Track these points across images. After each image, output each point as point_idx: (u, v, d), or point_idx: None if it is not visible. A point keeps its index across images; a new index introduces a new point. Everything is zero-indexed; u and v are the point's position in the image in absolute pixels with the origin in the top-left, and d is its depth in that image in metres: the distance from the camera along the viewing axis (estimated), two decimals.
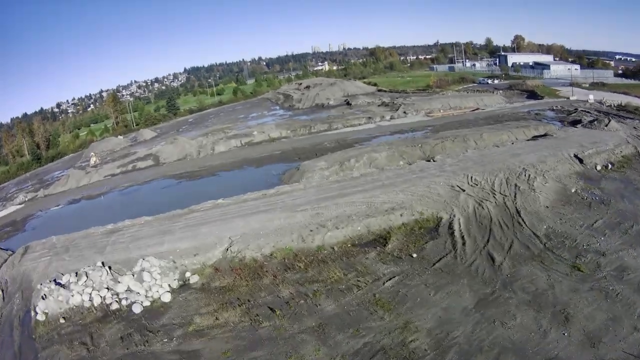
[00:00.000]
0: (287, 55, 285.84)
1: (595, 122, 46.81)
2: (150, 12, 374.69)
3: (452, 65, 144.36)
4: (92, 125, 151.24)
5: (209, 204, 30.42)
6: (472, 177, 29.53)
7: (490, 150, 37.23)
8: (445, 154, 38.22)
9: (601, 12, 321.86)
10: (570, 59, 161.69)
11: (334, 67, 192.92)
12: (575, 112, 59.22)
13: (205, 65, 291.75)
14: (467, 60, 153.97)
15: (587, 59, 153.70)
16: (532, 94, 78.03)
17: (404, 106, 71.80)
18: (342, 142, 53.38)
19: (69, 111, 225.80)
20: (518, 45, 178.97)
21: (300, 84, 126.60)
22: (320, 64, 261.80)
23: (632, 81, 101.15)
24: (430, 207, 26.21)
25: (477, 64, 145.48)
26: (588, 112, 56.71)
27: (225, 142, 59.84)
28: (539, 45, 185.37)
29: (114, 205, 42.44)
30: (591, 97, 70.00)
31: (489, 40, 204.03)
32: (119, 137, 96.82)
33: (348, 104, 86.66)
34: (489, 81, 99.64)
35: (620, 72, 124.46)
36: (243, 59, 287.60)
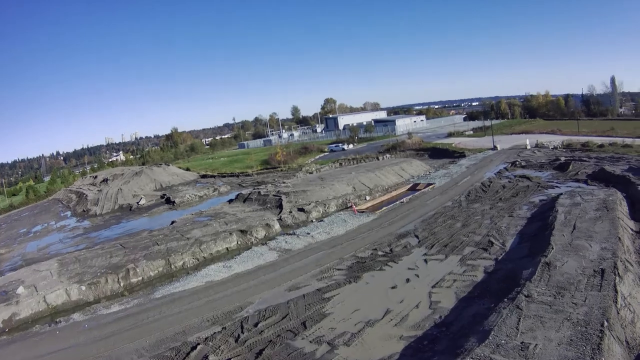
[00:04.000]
0: (82, 149, 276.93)
1: None
2: None
3: (268, 138, 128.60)
4: None
5: None
6: None
7: None
8: None
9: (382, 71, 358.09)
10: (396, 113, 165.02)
11: (130, 156, 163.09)
12: (570, 167, 43.56)
13: (9, 162, 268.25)
14: (282, 131, 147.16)
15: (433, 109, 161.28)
16: (441, 153, 65.63)
17: (286, 198, 38.95)
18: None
19: None
20: (330, 109, 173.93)
21: (96, 177, 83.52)
22: (115, 154, 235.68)
23: (509, 120, 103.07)
24: None
25: (295, 133, 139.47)
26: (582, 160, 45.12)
27: None
28: (351, 107, 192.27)
29: None
30: (528, 142, 60.34)
31: (295, 109, 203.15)
32: None
33: (168, 201, 55.92)
34: (344, 147, 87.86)
35: (464, 116, 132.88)
36: (42, 154, 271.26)
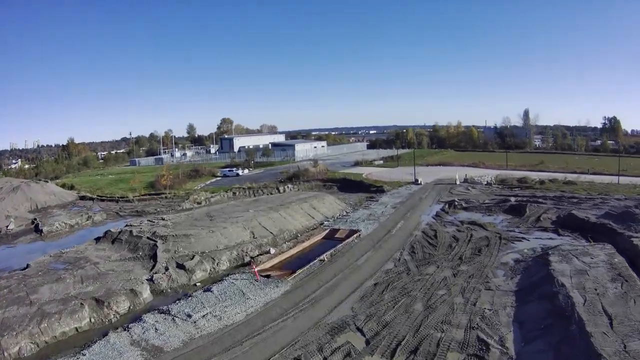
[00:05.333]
0: None
1: None
2: None
3: (159, 157, 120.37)
4: None
5: None
6: None
7: None
8: None
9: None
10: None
11: (26, 166, 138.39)
12: (527, 210, 36.39)
13: None
14: (176, 150, 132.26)
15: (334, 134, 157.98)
16: (354, 186, 55.06)
17: (163, 245, 26.44)
18: None
19: None
20: (227, 129, 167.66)
21: None
22: (14, 162, 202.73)
23: (417, 150, 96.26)
24: None
25: (188, 153, 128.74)
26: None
27: None
28: (247, 129, 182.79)
29: None
30: (457, 177, 53.42)
31: (191, 127, 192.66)
32: None
33: (37, 228, 43.18)
34: (239, 171, 75.40)
35: (367, 143, 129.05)
36: None
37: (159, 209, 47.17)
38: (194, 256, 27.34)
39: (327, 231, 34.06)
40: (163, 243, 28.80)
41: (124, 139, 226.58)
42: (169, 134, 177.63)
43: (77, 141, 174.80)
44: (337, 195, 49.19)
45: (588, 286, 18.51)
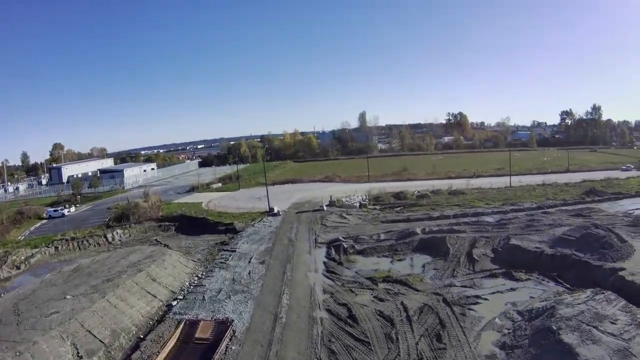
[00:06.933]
0: None
1: None
2: None
3: None
4: None
5: None
6: None
7: None
8: None
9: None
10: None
11: None
12: (449, 247, 27.89)
13: None
14: (8, 184, 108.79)
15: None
16: (196, 226, 41.75)
17: None
18: None
19: None
20: (58, 156, 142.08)
21: None
22: None
23: (253, 165, 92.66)
24: None
25: (21, 187, 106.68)
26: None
27: None
28: (79, 153, 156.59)
29: None
30: (324, 202, 44.73)
31: (24, 156, 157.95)
32: None
33: None
34: (65, 210, 59.42)
35: (199, 160, 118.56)
36: None
37: None
38: None
39: (179, 329, 20.00)
40: None
41: None
42: (5, 164, 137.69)
43: None
44: (178, 242, 36.04)
45: None
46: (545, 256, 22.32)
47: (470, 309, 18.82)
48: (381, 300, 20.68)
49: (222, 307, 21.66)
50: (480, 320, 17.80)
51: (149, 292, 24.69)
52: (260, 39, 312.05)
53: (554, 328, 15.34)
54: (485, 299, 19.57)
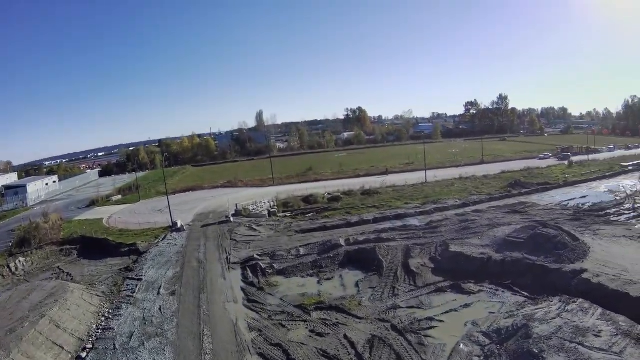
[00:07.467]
0: None
1: None
2: None
3: None
4: None
5: None
6: None
7: None
8: None
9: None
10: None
11: None
12: (382, 259, 24.86)
13: None
14: None
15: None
16: (98, 249, 35.34)
17: None
18: None
19: None
20: None
21: None
22: None
23: (152, 172, 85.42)
24: None
25: None
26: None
27: None
28: None
29: None
30: (229, 211, 40.17)
31: None
32: None
33: None
34: None
35: (99, 169, 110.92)
36: None
37: None
38: None
39: None
40: None
41: None
42: None
43: None
44: (81, 269, 30.56)
45: None
46: (493, 262, 20.25)
47: (427, 336, 15.82)
48: (320, 335, 16.92)
49: (137, 358, 16.89)
50: (443, 349, 14.89)
51: (55, 343, 19.14)
52: (149, 40, 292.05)
53: (536, 352, 13.01)
54: (441, 321, 16.79)
